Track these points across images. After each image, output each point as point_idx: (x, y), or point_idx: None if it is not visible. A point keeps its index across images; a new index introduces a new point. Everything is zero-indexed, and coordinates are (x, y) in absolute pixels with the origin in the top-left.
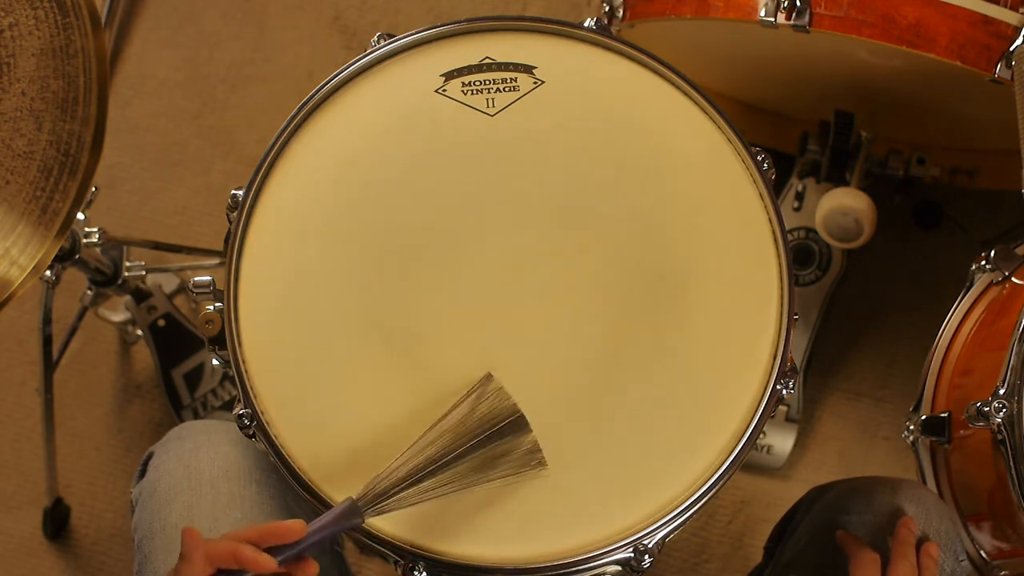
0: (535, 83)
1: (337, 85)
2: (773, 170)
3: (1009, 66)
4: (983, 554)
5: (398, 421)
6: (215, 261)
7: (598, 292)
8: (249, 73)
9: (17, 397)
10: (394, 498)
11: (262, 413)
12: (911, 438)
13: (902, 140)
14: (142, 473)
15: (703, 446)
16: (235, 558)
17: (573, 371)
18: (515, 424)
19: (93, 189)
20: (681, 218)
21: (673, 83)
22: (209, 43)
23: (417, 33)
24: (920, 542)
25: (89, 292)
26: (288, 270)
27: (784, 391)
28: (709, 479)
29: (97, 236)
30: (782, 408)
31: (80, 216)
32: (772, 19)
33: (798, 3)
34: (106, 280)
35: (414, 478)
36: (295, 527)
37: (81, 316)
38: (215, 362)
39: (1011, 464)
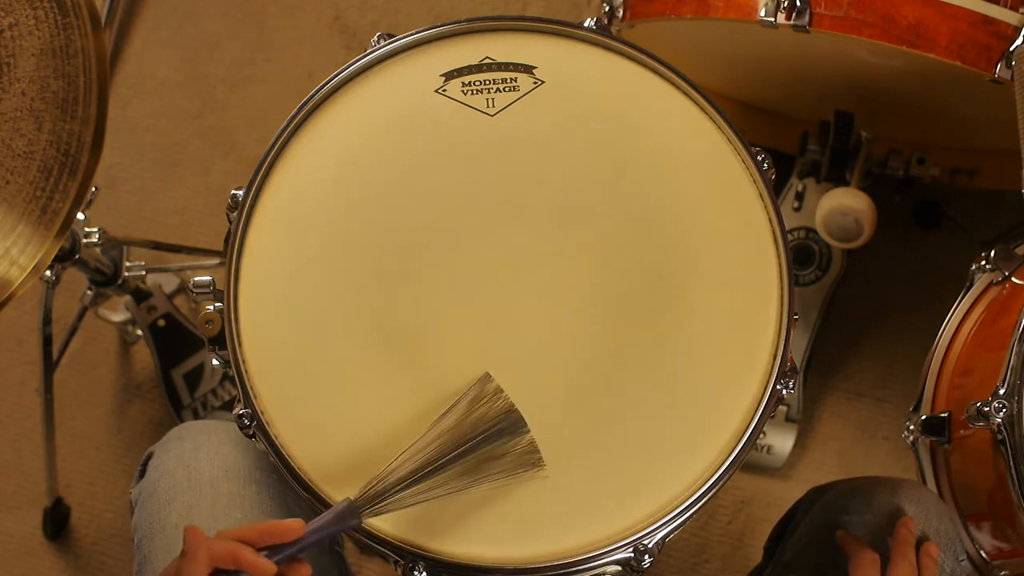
0: (535, 83)
1: (337, 85)
2: (773, 170)
3: (1009, 66)
4: (983, 554)
5: (398, 421)
6: (215, 261)
7: (598, 292)
8: (249, 73)
9: (17, 397)
10: (392, 499)
11: (262, 413)
12: (911, 438)
13: (902, 140)
14: (142, 473)
15: (703, 446)
16: (234, 559)
17: (573, 371)
18: (513, 424)
19: (93, 189)
20: (681, 218)
21: (673, 83)
22: (209, 43)
23: (417, 33)
24: (920, 542)
25: (89, 292)
26: (288, 270)
27: (784, 391)
28: (709, 479)
29: (97, 236)
30: (782, 408)
31: (80, 216)
32: (772, 19)
33: (798, 3)
34: (106, 280)
35: (412, 479)
36: (293, 526)
37: (81, 316)
38: (215, 362)
39: (1011, 464)
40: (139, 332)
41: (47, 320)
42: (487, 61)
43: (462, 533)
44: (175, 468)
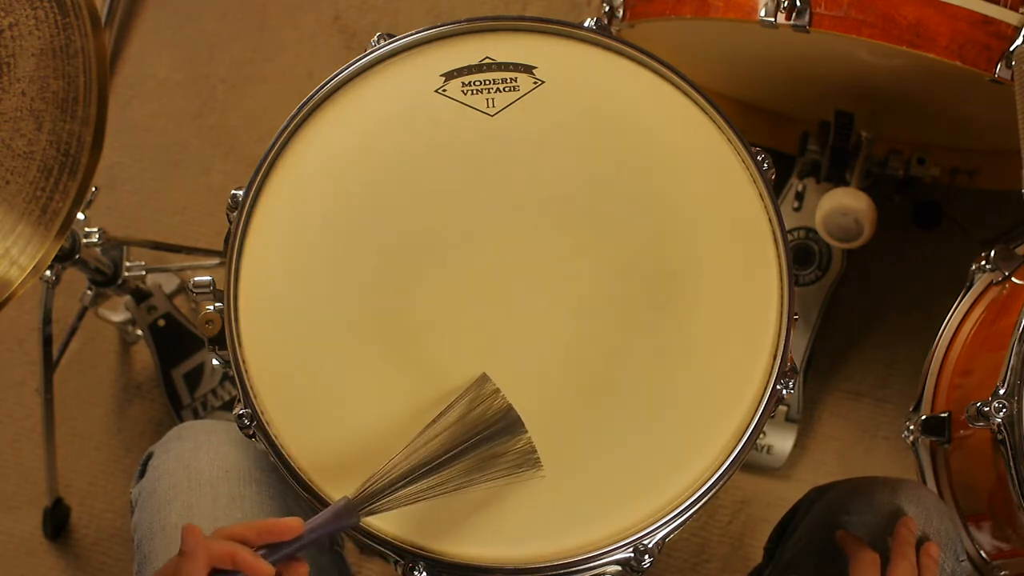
0: (535, 83)
1: (337, 85)
2: (773, 170)
3: (1009, 66)
4: (983, 554)
5: (398, 421)
6: (215, 261)
7: (597, 292)
8: (249, 73)
9: (17, 397)
10: (389, 497)
11: (262, 413)
12: (911, 438)
13: (902, 140)
14: (142, 473)
15: (703, 446)
16: (232, 559)
17: (573, 371)
18: (510, 425)
19: (93, 189)
20: (681, 218)
21: (673, 83)
22: (209, 43)
23: (417, 33)
24: (920, 542)
25: (89, 292)
26: (288, 270)
27: (784, 391)
28: (709, 479)
29: (97, 236)
30: (782, 408)
31: (80, 216)
32: (772, 19)
33: (798, 3)
34: (106, 280)
35: (409, 478)
36: (291, 525)
37: (81, 316)
38: (215, 362)
39: (1011, 464)
40: (139, 332)
41: (47, 320)
42: (487, 61)
43: (462, 533)
44: (175, 468)
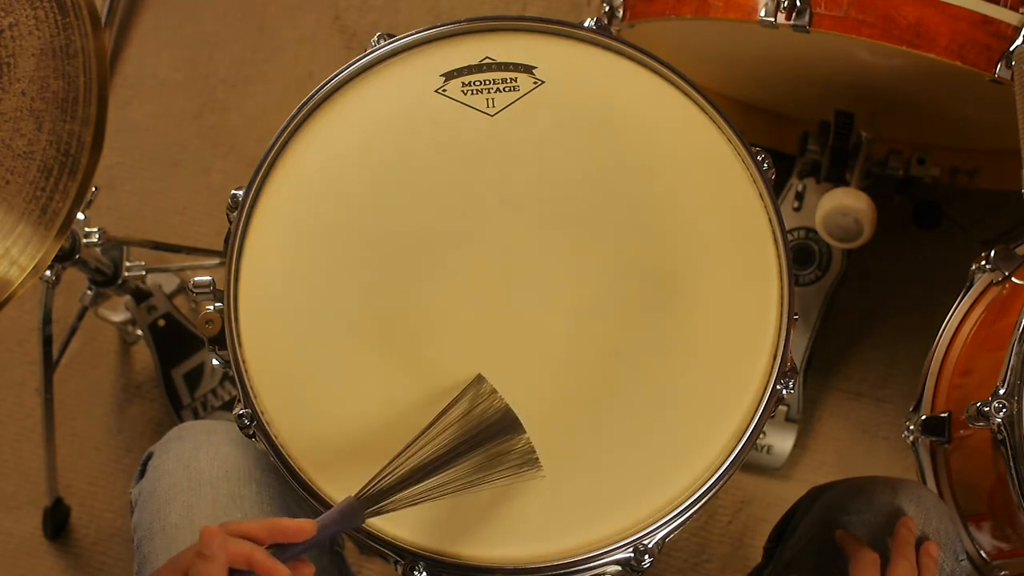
0: (535, 83)
1: (337, 85)
2: (773, 170)
3: (1009, 66)
4: (983, 554)
5: (398, 421)
6: (215, 261)
7: (598, 292)
8: (249, 73)
9: (17, 397)
10: (394, 498)
11: (262, 413)
12: (911, 438)
13: (902, 140)
14: (142, 473)
15: (703, 446)
16: (248, 561)
17: (573, 371)
18: (508, 426)
19: (93, 189)
20: (681, 218)
21: (673, 83)
22: (209, 43)
23: (417, 33)
24: (920, 542)
25: (89, 292)
26: (288, 270)
27: (784, 391)
28: (709, 479)
29: (97, 236)
30: (782, 408)
31: (80, 216)
32: (772, 19)
33: (798, 3)
34: (106, 280)
35: (411, 480)
36: (304, 527)
37: (81, 316)
38: (215, 362)
39: (1011, 464)
40: (139, 332)
41: (47, 320)
42: (487, 61)
43: (461, 533)
44: (175, 468)
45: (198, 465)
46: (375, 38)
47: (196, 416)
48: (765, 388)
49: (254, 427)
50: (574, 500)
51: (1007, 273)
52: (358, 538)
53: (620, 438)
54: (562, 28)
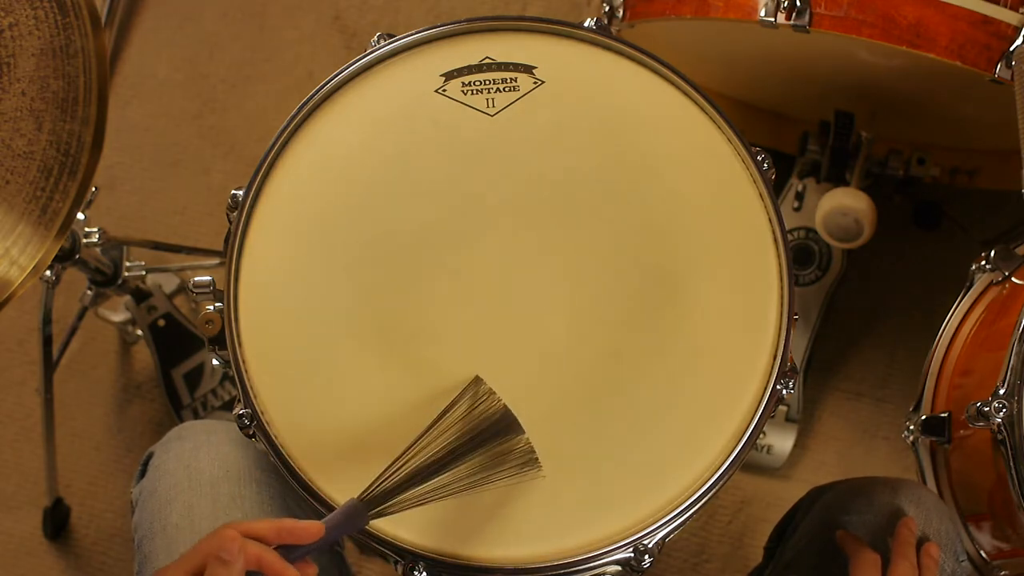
0: (535, 83)
1: (337, 85)
2: (773, 170)
3: (1009, 66)
4: (983, 554)
5: (399, 421)
6: (215, 261)
7: (597, 292)
8: (249, 73)
9: (17, 397)
10: (398, 499)
11: (262, 413)
12: (911, 438)
13: (902, 140)
14: (142, 473)
15: (703, 446)
16: (259, 562)
17: (573, 371)
18: (507, 426)
19: (93, 189)
20: (681, 218)
21: (673, 83)
22: (209, 43)
23: (417, 33)
24: (920, 542)
25: (89, 292)
26: (288, 270)
27: (784, 391)
28: (709, 479)
29: (97, 236)
30: (782, 408)
31: (80, 216)
32: (772, 19)
33: (798, 3)
34: (106, 280)
35: (413, 481)
36: (312, 529)
37: (81, 316)
38: (215, 362)
39: (1011, 464)
40: (139, 332)
41: (47, 320)
42: (487, 61)
43: (462, 533)
44: (175, 468)
45: (198, 465)
46: (375, 38)
47: (196, 416)
48: (765, 388)
49: (254, 427)
50: (574, 500)
51: (1007, 273)
52: (358, 538)
53: (620, 438)
54: (562, 28)
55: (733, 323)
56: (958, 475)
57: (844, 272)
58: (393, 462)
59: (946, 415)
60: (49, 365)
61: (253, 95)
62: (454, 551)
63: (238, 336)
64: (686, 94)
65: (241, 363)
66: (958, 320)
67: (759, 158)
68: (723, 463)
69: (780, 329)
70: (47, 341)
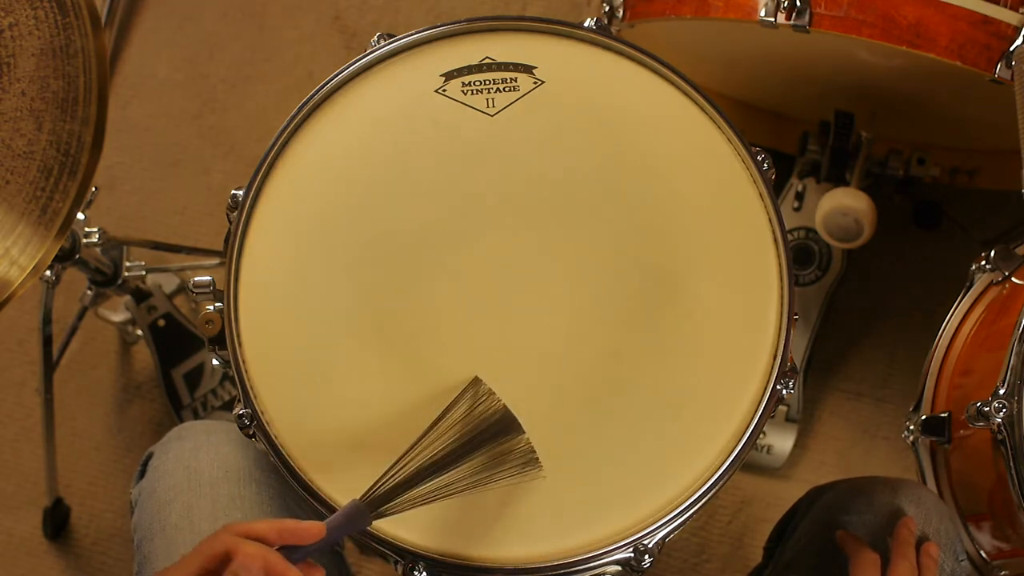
0: (535, 83)
1: (337, 85)
2: (773, 170)
3: (1009, 66)
4: (983, 554)
5: (399, 421)
6: (215, 261)
7: (597, 292)
8: (249, 73)
9: (17, 397)
10: (399, 499)
11: (262, 413)
12: (911, 438)
13: (902, 140)
14: (142, 473)
15: (703, 446)
16: (264, 565)
17: (573, 371)
18: (507, 426)
19: (93, 189)
20: (681, 218)
21: (673, 83)
22: (209, 43)
23: (417, 33)
24: (920, 542)
25: (89, 292)
26: (288, 270)
27: (784, 391)
28: (709, 479)
29: (97, 236)
30: (782, 408)
31: (80, 216)
32: (772, 19)
33: (798, 3)
34: (106, 280)
35: (414, 482)
36: (314, 529)
37: (81, 316)
38: (215, 362)
39: (1011, 464)
40: (139, 332)
41: (47, 320)
42: (487, 61)
43: (462, 533)
44: (175, 468)
45: (198, 465)
46: (375, 38)
47: (196, 416)
48: (765, 388)
49: (254, 427)
50: (574, 500)
51: (1007, 273)
52: (358, 538)
53: (620, 438)
54: (562, 28)
55: (733, 323)
56: (958, 475)
57: (844, 272)
58: (394, 463)
59: (946, 415)
60: (49, 365)
61: (253, 95)
62: (454, 551)
63: (238, 336)
64: (686, 94)
65: (241, 363)
66: (958, 320)
67: (759, 158)
68: (723, 463)
69: (780, 329)
70: (47, 341)
